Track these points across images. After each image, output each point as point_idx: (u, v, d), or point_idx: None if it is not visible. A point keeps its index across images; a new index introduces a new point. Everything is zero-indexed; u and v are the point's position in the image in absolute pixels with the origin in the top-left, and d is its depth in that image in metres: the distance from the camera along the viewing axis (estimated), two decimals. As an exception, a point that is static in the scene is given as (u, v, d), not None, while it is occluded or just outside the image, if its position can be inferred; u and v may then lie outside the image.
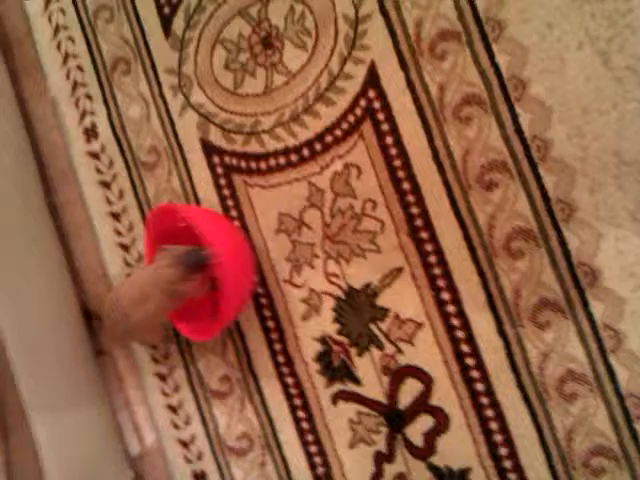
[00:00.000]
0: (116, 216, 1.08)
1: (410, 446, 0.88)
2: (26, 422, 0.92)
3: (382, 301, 0.87)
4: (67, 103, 1.11)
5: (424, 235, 0.85)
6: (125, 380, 1.11)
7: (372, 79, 0.87)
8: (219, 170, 0.98)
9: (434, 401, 0.86)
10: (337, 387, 0.92)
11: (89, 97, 1.09)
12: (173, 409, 1.06)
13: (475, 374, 0.82)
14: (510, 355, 0.81)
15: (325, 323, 0.91)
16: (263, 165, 0.94)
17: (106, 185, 1.08)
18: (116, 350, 1.11)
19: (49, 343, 1.00)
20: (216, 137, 0.97)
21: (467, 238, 0.82)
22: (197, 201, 0.98)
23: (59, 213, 1.13)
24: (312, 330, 0.92)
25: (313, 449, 0.94)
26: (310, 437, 0.94)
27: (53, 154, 1.13)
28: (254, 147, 0.94)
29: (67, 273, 1.10)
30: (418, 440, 0.87)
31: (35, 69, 1.14)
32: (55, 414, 0.97)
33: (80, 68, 1.10)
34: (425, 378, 0.85)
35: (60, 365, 1.00)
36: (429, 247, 0.84)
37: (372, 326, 0.88)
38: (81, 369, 1.06)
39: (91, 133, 1.09)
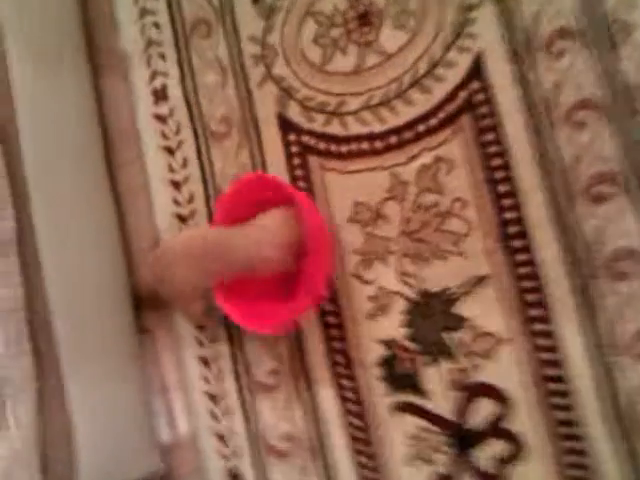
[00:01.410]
0: (176, 185, 1.05)
1: (477, 472, 0.84)
2: (62, 394, 0.89)
3: (459, 309, 0.84)
4: (138, 60, 1.09)
5: (517, 244, 0.82)
6: (164, 361, 1.08)
7: (477, 70, 0.84)
8: (294, 149, 0.95)
9: (511, 425, 0.82)
10: (399, 397, 0.88)
11: (162, 57, 1.07)
12: (213, 398, 1.02)
13: (560, 401, 0.78)
14: (602, 385, 0.76)
15: (393, 326, 0.88)
16: (343, 149, 0.91)
17: (170, 151, 1.06)
18: (158, 327, 1.08)
19: (93, 311, 0.98)
20: (295, 113, 0.95)
21: (569, 252, 0.78)
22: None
23: (116, 173, 1.10)
24: (377, 332, 0.89)
25: (364, 460, 0.90)
26: (362, 446, 0.91)
27: (117, 111, 1.11)
28: (335, 128, 0.91)
29: (118, 238, 1.08)
30: (488, 466, 0.83)
31: (109, 21, 1.12)
32: (90, 386, 0.94)
33: (157, 25, 1.08)
34: (501, 399, 0.82)
35: (102, 335, 0.98)
36: (522, 257, 0.81)
37: (445, 335, 0.85)
38: (122, 343, 1.04)
39: (160, 95, 1.07)
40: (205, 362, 1.03)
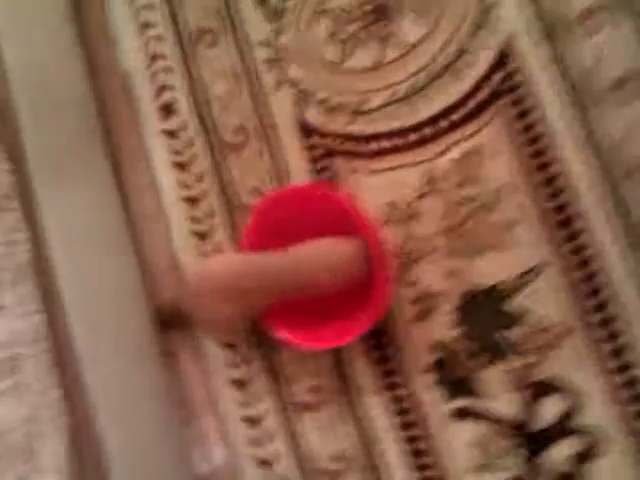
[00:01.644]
0: (193, 201, 1.01)
1: (551, 474, 0.80)
2: (92, 428, 0.85)
3: (517, 303, 0.80)
4: (142, 76, 1.06)
5: (570, 229, 0.79)
6: (192, 386, 1.02)
7: (511, 50, 0.81)
8: (317, 152, 0.90)
9: (583, 420, 0.78)
10: (458, 403, 0.83)
11: (169, 70, 1.04)
12: (252, 422, 0.97)
13: (632, 391, 0.76)
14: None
15: (442, 328, 0.83)
16: (370, 147, 0.87)
17: (183, 167, 1.02)
18: (183, 348, 1.02)
19: (115, 337, 0.95)
20: (315, 116, 0.91)
21: (626, 233, 0.75)
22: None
23: (127, 196, 1.06)
24: (426, 335, 0.84)
25: (426, 474, 0.85)
26: (423, 460, 0.86)
27: (122, 133, 1.08)
28: (360, 127, 0.87)
29: (135, 265, 1.04)
30: (562, 467, 0.79)
31: (106, 38, 1.09)
32: (119, 418, 0.90)
33: (159, 38, 1.05)
34: (570, 393, 0.78)
35: (126, 362, 0.95)
36: (576, 243, 0.79)
37: (504, 332, 0.80)
38: (146, 372, 0.99)
39: (169, 110, 1.03)
40: (240, 384, 0.98)
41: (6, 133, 0.85)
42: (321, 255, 0.80)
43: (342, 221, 0.78)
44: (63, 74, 1.03)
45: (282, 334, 0.83)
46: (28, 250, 0.81)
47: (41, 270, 0.83)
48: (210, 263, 0.96)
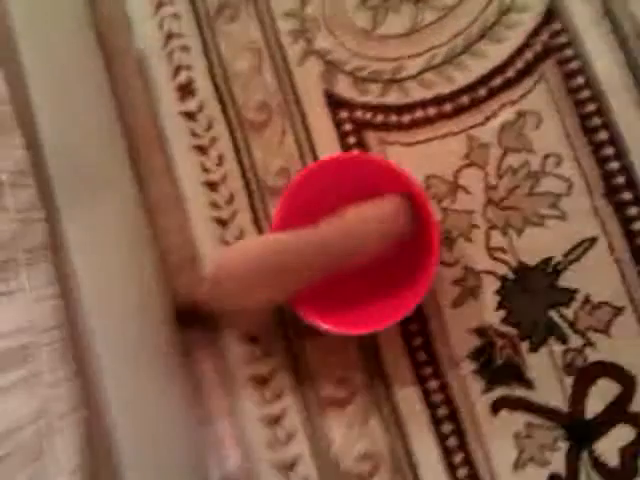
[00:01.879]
0: (213, 186, 0.95)
1: (601, 467, 0.74)
2: (105, 424, 0.77)
3: (567, 281, 0.76)
4: (158, 57, 1.01)
5: (627, 196, 0.74)
6: (209, 385, 0.95)
7: (556, 9, 0.78)
8: (347, 127, 0.87)
9: (636, 407, 0.72)
10: (499, 392, 0.78)
11: (186, 49, 0.99)
12: (271, 421, 0.90)
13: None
14: None
15: (486, 310, 0.79)
16: (406, 118, 0.83)
17: (202, 150, 0.97)
18: (200, 345, 0.96)
19: (131, 334, 0.86)
20: (345, 87, 0.87)
21: None
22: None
23: (143, 185, 1.00)
24: (467, 319, 0.80)
25: (463, 473, 0.79)
26: (459, 457, 0.80)
27: (137, 117, 1.02)
28: (395, 97, 0.84)
29: (153, 256, 0.98)
30: (613, 459, 0.74)
31: (121, 19, 1.04)
32: (133, 415, 0.82)
33: (176, 16, 1.00)
34: (624, 378, 0.73)
35: (144, 358, 0.88)
36: (633, 211, 0.74)
37: (552, 312, 0.77)
38: (162, 369, 0.93)
39: (186, 90, 0.98)
40: (259, 381, 0.91)
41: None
42: (361, 215, 0.72)
43: (383, 185, 0.73)
44: (82, 76, 0.98)
45: (312, 319, 0.76)
46: (44, 230, 0.73)
47: (57, 253, 0.76)
48: (229, 250, 0.91)
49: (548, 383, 0.76)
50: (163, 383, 0.90)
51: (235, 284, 0.79)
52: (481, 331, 0.79)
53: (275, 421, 0.89)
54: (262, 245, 0.81)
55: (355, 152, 0.84)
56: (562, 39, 0.77)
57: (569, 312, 0.76)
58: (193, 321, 0.93)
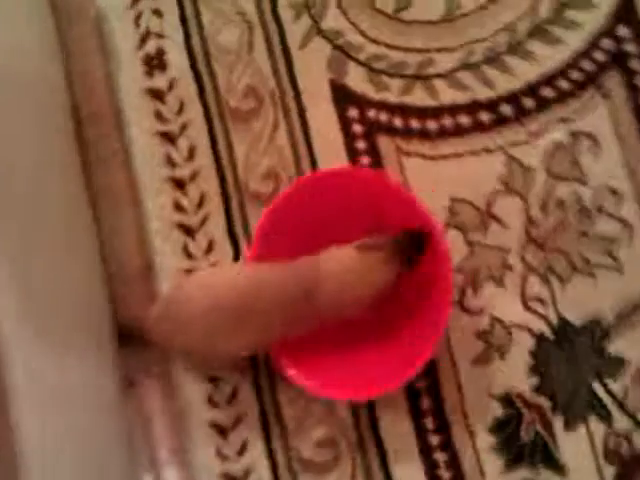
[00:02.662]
0: (179, 183, 0.86)
1: None
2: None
3: (618, 348, 0.72)
4: (122, 19, 0.91)
5: None
6: (155, 425, 0.86)
7: (625, 11, 0.74)
8: (357, 128, 0.80)
9: None
10: (522, 474, 0.73)
11: (158, 13, 0.89)
12: None
13: None
14: None
15: (514, 374, 0.74)
16: (432, 125, 0.78)
17: (169, 138, 0.87)
18: (147, 376, 0.87)
19: (61, 356, 0.76)
20: (357, 80, 0.80)
21: None
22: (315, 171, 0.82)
23: (91, 172, 0.90)
24: (489, 382, 0.75)
25: None
26: None
27: (90, 91, 0.92)
28: (419, 97, 0.79)
29: (96, 260, 0.88)
30: None
31: None
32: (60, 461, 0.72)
33: None
34: None
35: (77, 397, 0.77)
36: None
37: (596, 385, 0.72)
38: (103, 407, 0.84)
39: (155, 63, 0.89)
40: (220, 430, 0.83)
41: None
42: (342, 263, 0.67)
43: (393, 214, 0.68)
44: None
45: (293, 375, 0.71)
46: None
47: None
48: (189, 280, 0.80)
49: (583, 471, 0.72)
50: (97, 420, 0.82)
51: (191, 325, 0.72)
52: (506, 399, 0.74)
53: (238, 480, 0.82)
54: (233, 279, 0.73)
55: (365, 168, 0.79)
56: (631, 47, 0.74)
57: (617, 387, 0.72)
58: (137, 345, 0.84)
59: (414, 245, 0.67)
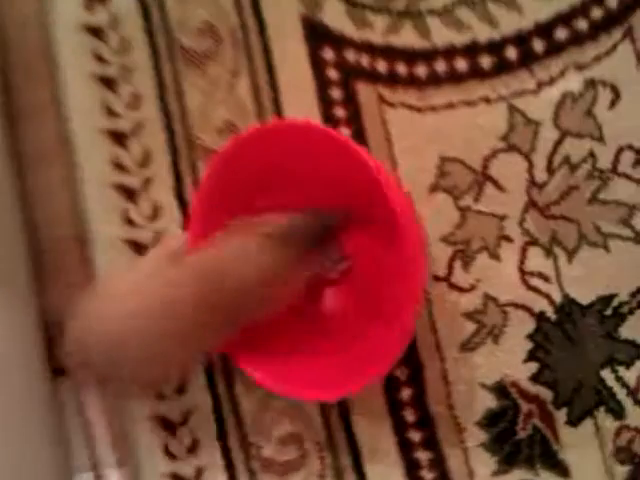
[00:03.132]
0: (119, 137, 0.83)
1: None
2: None
3: (631, 331, 0.70)
4: None
5: None
6: (95, 424, 0.79)
7: None
8: (332, 74, 0.77)
9: None
10: (518, 476, 0.72)
11: None
12: None
13: None
14: None
15: (510, 360, 0.73)
16: (422, 70, 0.75)
17: (109, 83, 0.84)
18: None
19: None
20: (335, 16, 0.77)
21: None
22: None
23: (17, 127, 0.86)
24: (480, 370, 0.73)
25: None
26: None
27: (19, 28, 0.87)
28: (408, 37, 0.75)
29: (20, 235, 0.84)
30: None
31: None
32: None
33: None
34: None
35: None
36: None
37: (606, 373, 0.71)
38: (28, 397, 0.81)
39: None
40: (167, 424, 0.80)
41: None
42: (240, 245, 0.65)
43: (348, 183, 0.64)
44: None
45: (247, 370, 0.70)
46: None
47: None
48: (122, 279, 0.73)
49: (590, 472, 0.71)
50: (28, 413, 0.79)
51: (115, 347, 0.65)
52: (500, 389, 0.73)
53: (187, 482, 0.83)
54: (162, 276, 0.67)
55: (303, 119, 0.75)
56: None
57: (630, 375, 0.70)
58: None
59: (320, 229, 0.66)
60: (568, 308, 0.72)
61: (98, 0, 0.85)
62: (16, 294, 0.82)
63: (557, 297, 0.72)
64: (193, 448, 0.80)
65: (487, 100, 0.73)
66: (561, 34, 0.72)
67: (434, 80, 0.74)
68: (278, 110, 0.79)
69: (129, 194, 0.83)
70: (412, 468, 0.73)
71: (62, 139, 0.86)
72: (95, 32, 0.85)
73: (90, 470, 0.82)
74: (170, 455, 0.81)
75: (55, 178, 0.86)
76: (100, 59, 0.85)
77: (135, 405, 0.82)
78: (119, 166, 0.84)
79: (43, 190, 0.87)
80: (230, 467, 0.79)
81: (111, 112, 0.84)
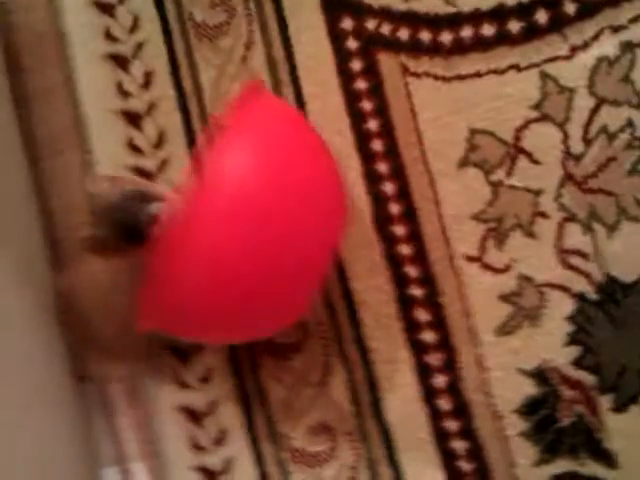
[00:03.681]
0: (133, 118, 0.85)
1: None
2: None
3: None
4: None
5: None
6: (120, 417, 0.86)
7: None
8: (351, 43, 0.78)
9: None
10: (561, 467, 0.72)
11: None
12: (210, 475, 0.82)
13: None
14: None
15: (549, 344, 0.72)
16: (446, 37, 0.75)
17: (121, 62, 0.86)
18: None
19: None
20: None
21: None
22: (299, 99, 0.79)
23: (28, 107, 0.89)
24: (518, 355, 0.73)
25: None
26: None
27: (26, 7, 0.90)
28: (432, 3, 0.75)
29: (35, 222, 0.88)
30: None
31: None
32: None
33: None
34: None
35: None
36: None
37: None
38: (55, 393, 0.84)
39: None
40: (193, 415, 0.82)
41: None
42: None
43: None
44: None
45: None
46: None
47: None
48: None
49: (638, 460, 0.70)
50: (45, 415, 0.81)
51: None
52: (540, 375, 0.73)
53: (215, 475, 0.82)
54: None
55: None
56: None
57: None
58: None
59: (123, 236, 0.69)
60: (609, 287, 0.71)
61: (108, -25, 0.86)
62: (34, 284, 0.84)
63: (597, 276, 0.71)
64: (220, 439, 0.82)
65: (517, 67, 0.72)
66: (596, -7, 0.70)
67: (460, 47, 0.74)
68: (295, 84, 0.79)
69: (145, 176, 0.85)
70: (449, 459, 0.74)
71: (75, 122, 0.88)
72: (104, 8, 0.87)
73: (116, 464, 0.85)
74: (197, 447, 0.83)
75: (69, 163, 0.88)
76: (110, 36, 0.87)
77: (160, 397, 0.84)
78: (134, 147, 0.86)
79: (58, 176, 0.89)
80: (259, 458, 0.81)
81: (123, 91, 0.86)
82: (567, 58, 0.71)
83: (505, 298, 0.73)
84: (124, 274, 0.73)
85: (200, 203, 0.61)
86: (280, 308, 0.69)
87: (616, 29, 0.70)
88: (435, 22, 0.75)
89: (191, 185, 0.64)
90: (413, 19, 0.75)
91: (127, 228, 0.69)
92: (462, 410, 0.74)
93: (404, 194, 0.75)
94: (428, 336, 0.75)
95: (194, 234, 0.60)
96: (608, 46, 0.71)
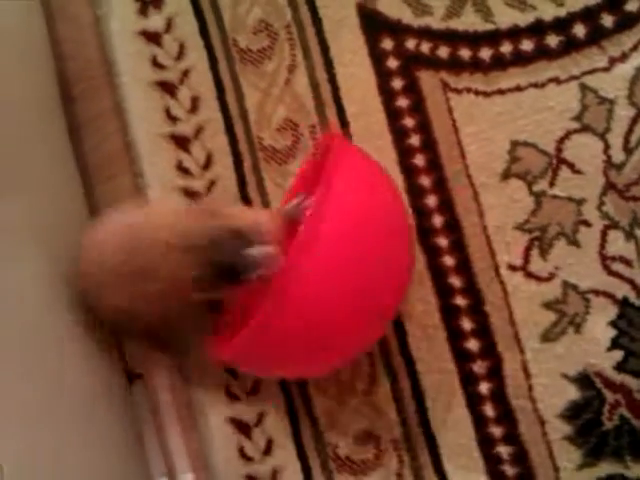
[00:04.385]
0: (181, 141, 0.83)
1: None
2: None
3: None
4: None
5: None
6: (167, 426, 0.82)
7: None
8: (392, 63, 0.76)
9: None
10: (605, 470, 0.69)
11: None
12: None
13: None
14: None
15: (593, 349, 0.70)
16: (486, 53, 0.73)
17: (168, 88, 0.84)
18: (155, 369, 0.84)
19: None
20: (392, 3, 0.75)
21: None
22: (342, 119, 0.77)
23: (79, 134, 0.86)
24: (562, 360, 0.71)
25: None
26: None
27: (76, 39, 0.88)
28: (470, 21, 0.73)
29: None
30: None
31: None
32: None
33: None
34: None
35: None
36: None
37: None
38: (106, 404, 0.80)
39: (149, 0, 0.85)
40: (241, 427, 0.80)
41: None
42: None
43: None
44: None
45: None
46: None
47: None
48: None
49: None
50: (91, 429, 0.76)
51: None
52: (584, 379, 0.71)
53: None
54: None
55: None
56: None
57: None
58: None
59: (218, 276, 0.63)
60: (654, 294, 0.67)
61: (152, 4, 0.85)
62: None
63: (640, 282, 0.68)
64: (268, 449, 0.80)
65: (557, 80, 0.71)
66: (632, 6, 0.69)
67: (499, 63, 0.72)
68: (338, 104, 0.77)
69: (193, 197, 0.83)
70: (493, 464, 0.72)
71: (125, 146, 0.86)
72: (151, 37, 0.86)
73: (165, 476, 0.83)
74: (246, 457, 0.81)
75: (121, 187, 0.87)
76: (157, 64, 0.86)
77: (209, 408, 0.82)
78: (183, 170, 0.84)
79: (110, 201, 0.86)
80: (306, 467, 0.78)
81: (171, 117, 0.85)
82: (606, 70, 0.70)
83: (549, 305, 0.71)
84: None
85: (304, 256, 0.59)
86: (357, 348, 0.68)
87: (653, 41, 0.70)
88: (474, 39, 0.73)
89: (299, 234, 0.60)
90: (452, 37, 0.74)
91: (224, 269, 0.63)
92: (506, 416, 0.72)
93: (448, 206, 0.73)
94: (473, 344, 0.73)
95: (296, 285, 0.58)
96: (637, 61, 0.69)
